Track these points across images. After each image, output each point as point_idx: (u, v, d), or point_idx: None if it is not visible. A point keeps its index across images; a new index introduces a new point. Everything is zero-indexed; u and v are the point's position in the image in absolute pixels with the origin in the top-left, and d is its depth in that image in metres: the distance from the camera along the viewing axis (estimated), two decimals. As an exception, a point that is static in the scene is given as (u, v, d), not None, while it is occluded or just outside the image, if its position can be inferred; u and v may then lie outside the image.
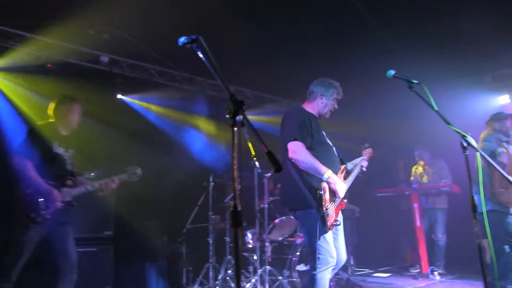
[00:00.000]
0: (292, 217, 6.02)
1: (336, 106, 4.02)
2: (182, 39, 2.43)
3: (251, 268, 5.81)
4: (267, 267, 5.84)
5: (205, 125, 7.58)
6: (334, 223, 3.63)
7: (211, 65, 2.26)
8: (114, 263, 5.79)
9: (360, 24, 5.78)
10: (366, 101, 7.92)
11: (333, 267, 3.66)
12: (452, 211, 7.31)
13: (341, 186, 3.70)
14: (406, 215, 7.70)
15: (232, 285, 5.81)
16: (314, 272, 3.59)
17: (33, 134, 4.11)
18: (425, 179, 7.56)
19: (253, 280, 5.55)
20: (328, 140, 3.91)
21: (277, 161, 1.87)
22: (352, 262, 7.06)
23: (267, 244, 5.72)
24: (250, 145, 1.98)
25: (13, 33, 5.64)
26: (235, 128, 1.98)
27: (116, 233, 5.91)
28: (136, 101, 7.19)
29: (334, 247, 3.67)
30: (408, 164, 8.21)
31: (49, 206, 3.96)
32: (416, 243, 7.25)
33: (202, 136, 7.40)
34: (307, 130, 3.70)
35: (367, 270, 7.92)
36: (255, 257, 5.73)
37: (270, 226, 5.89)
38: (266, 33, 6.00)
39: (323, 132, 3.88)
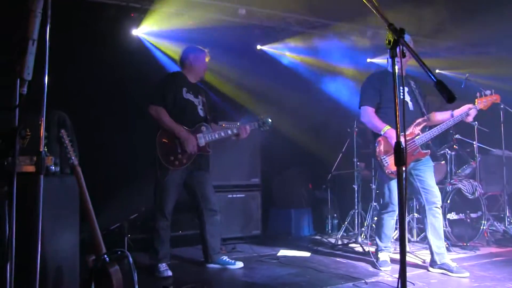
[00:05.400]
0: (442, 162, 5.70)
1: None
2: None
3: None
4: (415, 215, 5.63)
5: (346, 70, 7.39)
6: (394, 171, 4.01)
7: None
8: (262, 209, 6.03)
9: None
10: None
11: (393, 212, 4.35)
12: None
13: (394, 140, 3.97)
14: None
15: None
16: (379, 213, 4.59)
17: (164, 82, 4.32)
18: None
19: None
20: (405, 95, 4.24)
21: (449, 90, 1.70)
22: (508, 213, 6.47)
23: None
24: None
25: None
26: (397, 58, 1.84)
27: (263, 180, 6.12)
28: (276, 51, 7.20)
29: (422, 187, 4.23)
30: None
31: (186, 150, 4.17)
32: None
33: (344, 80, 7.23)
34: (374, 91, 4.33)
35: (528, 223, 7.24)
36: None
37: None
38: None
39: (401, 88, 4.07)
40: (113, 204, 4.98)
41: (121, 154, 5.42)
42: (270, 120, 4.51)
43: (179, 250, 5.20)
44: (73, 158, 3.06)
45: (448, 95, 1.70)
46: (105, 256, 2.84)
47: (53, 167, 3.05)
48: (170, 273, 4.11)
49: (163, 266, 4.13)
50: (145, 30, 6.09)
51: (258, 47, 7.09)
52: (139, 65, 5.85)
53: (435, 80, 1.75)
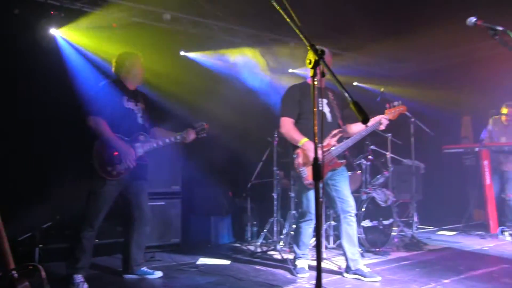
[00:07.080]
0: (358, 172, 5.95)
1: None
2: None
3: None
4: (332, 222, 5.83)
5: (268, 79, 7.53)
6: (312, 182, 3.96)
7: (289, 15, 2.15)
8: (182, 217, 5.97)
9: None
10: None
11: (311, 220, 4.46)
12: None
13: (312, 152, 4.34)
14: (473, 172, 7.40)
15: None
16: (297, 222, 4.63)
17: (103, 92, 4.21)
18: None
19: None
20: (324, 106, 4.44)
21: (363, 112, 1.79)
22: (416, 219, 6.90)
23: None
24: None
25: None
26: (316, 79, 1.91)
27: (184, 188, 6.06)
28: (199, 56, 7.18)
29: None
30: (475, 120, 7.83)
31: (124, 161, 4.10)
32: (484, 202, 6.96)
33: (266, 89, 7.35)
34: (293, 103, 4.43)
35: (432, 228, 7.75)
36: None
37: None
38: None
39: (320, 100, 4.35)
40: (23, 213, 4.70)
41: (32, 161, 5.14)
42: (207, 127, 4.52)
43: (97, 260, 5.00)
44: (-20, 165, 2.85)
45: (362, 116, 1.79)
46: (13, 271, 2.65)
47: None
48: (85, 286, 3.95)
49: (78, 278, 3.96)
50: (65, 30, 5.83)
51: (182, 53, 7.04)
52: (56, 67, 5.59)
53: (351, 100, 1.83)
